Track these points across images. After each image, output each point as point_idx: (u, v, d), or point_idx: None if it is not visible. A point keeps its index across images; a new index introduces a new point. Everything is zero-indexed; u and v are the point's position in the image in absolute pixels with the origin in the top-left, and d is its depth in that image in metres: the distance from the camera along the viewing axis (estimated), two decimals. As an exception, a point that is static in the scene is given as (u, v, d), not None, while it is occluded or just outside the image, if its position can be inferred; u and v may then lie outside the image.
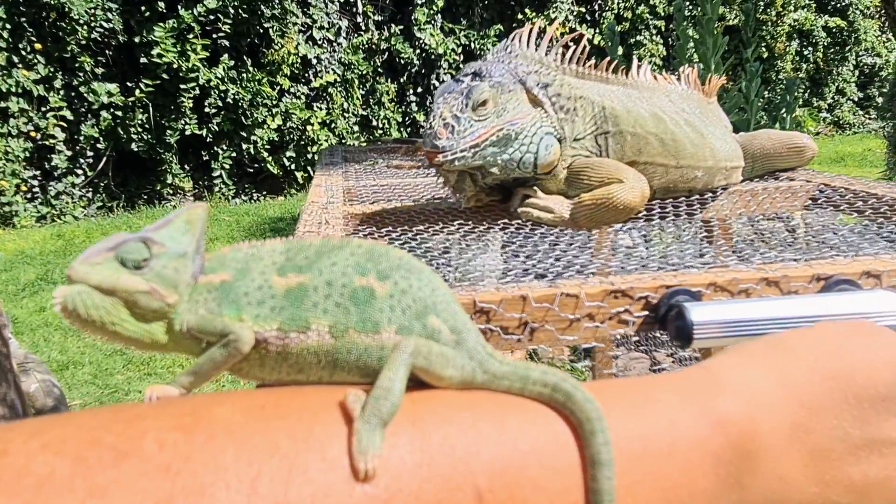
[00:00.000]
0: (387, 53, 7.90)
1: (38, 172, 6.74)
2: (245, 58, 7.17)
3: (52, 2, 6.34)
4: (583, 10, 8.58)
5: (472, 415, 0.35)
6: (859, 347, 0.41)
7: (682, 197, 1.09)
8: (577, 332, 0.61)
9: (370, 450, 0.31)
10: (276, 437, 0.31)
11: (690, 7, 6.42)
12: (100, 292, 0.36)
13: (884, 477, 0.39)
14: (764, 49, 9.36)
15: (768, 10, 9.45)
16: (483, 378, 0.37)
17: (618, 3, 8.64)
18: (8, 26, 6.31)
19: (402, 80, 8.00)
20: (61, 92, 6.69)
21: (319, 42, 7.56)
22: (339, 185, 1.44)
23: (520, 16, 8.16)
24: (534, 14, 8.12)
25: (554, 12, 8.22)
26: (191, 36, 6.78)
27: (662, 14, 8.87)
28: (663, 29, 8.98)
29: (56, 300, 0.35)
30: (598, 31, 8.39)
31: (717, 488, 0.37)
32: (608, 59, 1.12)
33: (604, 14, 8.60)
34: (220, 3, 6.86)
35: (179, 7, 6.78)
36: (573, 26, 8.36)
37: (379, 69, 7.87)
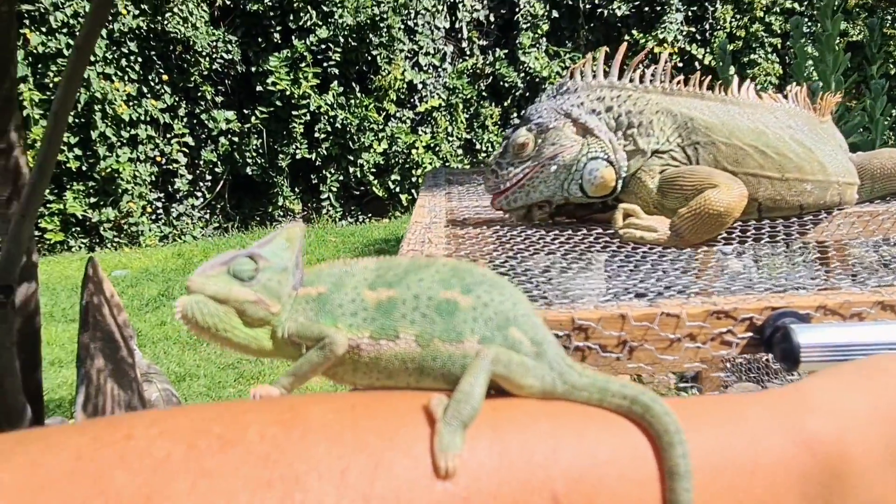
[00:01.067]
0: (491, 77, 7.97)
1: (161, 195, 7.19)
2: (353, 84, 7.41)
3: (179, 36, 6.78)
4: (693, 29, 8.36)
5: (550, 423, 0.35)
6: None
7: (794, 217, 1.05)
8: (678, 352, 0.59)
9: (451, 449, 0.32)
10: (365, 435, 0.33)
11: (809, 23, 6.15)
12: (214, 301, 0.40)
13: None
14: (891, 65, 8.83)
15: None
16: (563, 389, 0.38)
17: (730, 22, 8.37)
18: (140, 59, 6.79)
19: (505, 104, 8.04)
20: (184, 119, 7.12)
21: (425, 68, 7.72)
22: (441, 206, 1.46)
23: (626, 37, 8.06)
24: (641, 35, 7.99)
25: (662, 32, 8.06)
26: (303, 64, 7.08)
27: (778, 31, 8.52)
28: (779, 47, 8.62)
29: (177, 309, 0.40)
30: (708, 50, 8.16)
31: None
32: (699, 76, 1.12)
33: (715, 33, 8.35)
34: (331, 32, 7.13)
35: (293, 38, 7.10)
36: (682, 46, 8.16)
37: (483, 93, 7.95)
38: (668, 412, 0.35)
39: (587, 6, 8.00)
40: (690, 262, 0.94)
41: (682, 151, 1.04)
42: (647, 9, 8.08)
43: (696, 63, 8.16)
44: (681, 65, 8.16)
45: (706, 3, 8.28)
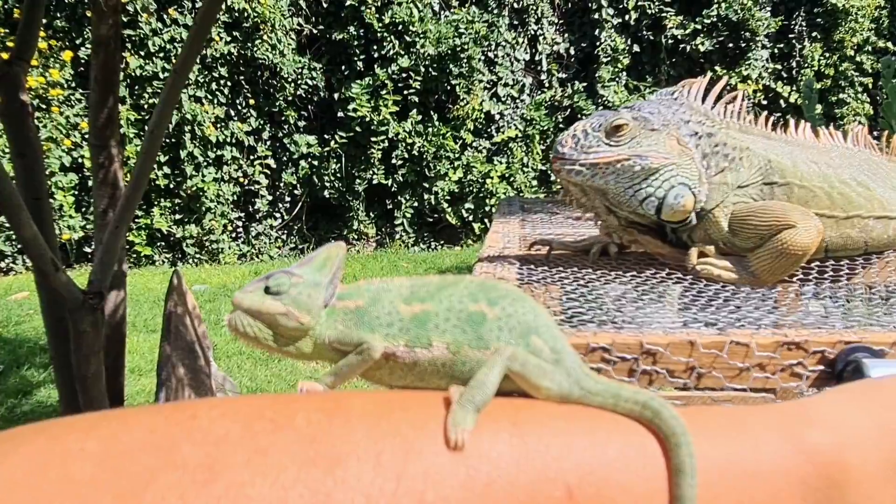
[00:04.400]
0: (569, 110, 7.97)
1: (242, 214, 7.43)
2: (432, 113, 7.53)
3: (267, 62, 7.05)
4: (779, 66, 8.17)
5: (566, 423, 0.39)
6: None
7: (874, 256, 1.03)
8: (747, 381, 0.59)
9: (461, 424, 0.36)
10: (399, 424, 0.37)
11: (902, 62, 5.91)
12: (250, 315, 0.45)
13: None
14: None
15: None
16: (579, 394, 0.41)
17: (818, 60, 8.14)
18: (229, 84, 7.08)
19: (582, 137, 7.99)
20: (268, 142, 7.37)
21: (503, 98, 7.78)
22: (515, 233, 1.47)
23: (710, 73, 7.91)
24: (724, 71, 7.85)
25: (746, 69, 7.91)
26: (384, 92, 7.24)
27: (870, 70, 8.24)
28: (871, 86, 8.33)
29: (226, 321, 0.46)
30: (794, 88, 7.96)
31: None
32: (765, 115, 1.11)
33: (802, 71, 8.14)
34: (413, 62, 7.28)
35: (375, 66, 7.28)
36: (767, 83, 7.98)
37: (560, 125, 7.95)
38: (675, 416, 0.38)
39: (669, 41, 7.93)
40: (765, 299, 0.93)
41: (759, 189, 1.02)
42: (731, 45, 7.95)
43: (781, 101, 7.97)
44: (765, 102, 7.98)
45: (794, 41, 8.09)
